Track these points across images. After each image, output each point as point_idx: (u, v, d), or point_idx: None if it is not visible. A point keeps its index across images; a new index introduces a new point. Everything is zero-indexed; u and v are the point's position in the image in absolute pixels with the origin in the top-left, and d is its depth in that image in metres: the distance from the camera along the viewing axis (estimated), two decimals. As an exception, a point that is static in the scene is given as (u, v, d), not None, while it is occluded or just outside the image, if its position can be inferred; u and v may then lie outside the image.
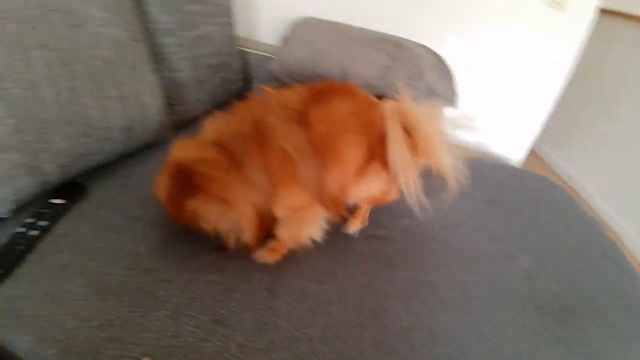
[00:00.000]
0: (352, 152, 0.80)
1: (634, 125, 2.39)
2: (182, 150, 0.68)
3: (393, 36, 1.46)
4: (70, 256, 0.75)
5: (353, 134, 0.80)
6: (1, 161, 0.74)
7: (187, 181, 0.64)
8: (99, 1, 0.88)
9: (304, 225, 0.85)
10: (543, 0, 1.56)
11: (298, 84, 0.92)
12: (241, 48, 1.65)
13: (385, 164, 0.82)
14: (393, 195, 0.92)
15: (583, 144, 2.85)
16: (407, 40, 1.46)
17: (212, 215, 0.65)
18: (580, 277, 0.98)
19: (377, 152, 0.81)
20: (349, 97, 0.83)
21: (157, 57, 1.13)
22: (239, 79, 1.59)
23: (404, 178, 0.80)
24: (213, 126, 0.77)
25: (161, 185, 0.67)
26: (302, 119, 0.76)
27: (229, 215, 0.66)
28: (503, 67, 1.72)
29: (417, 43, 1.47)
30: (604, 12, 2.18)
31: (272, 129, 0.73)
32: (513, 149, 1.95)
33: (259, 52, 1.76)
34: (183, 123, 1.30)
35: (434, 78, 1.31)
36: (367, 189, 0.87)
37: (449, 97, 1.33)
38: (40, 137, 0.78)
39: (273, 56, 1.74)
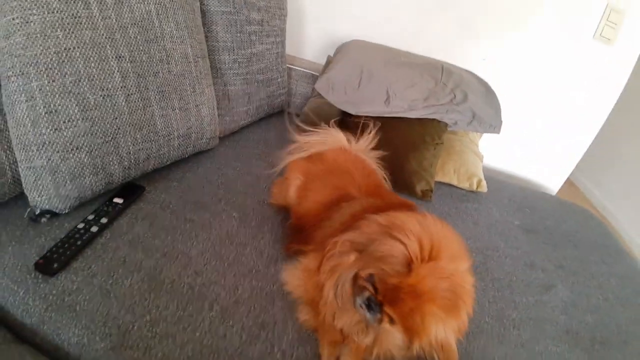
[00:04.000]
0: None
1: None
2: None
3: (440, 61, 1.49)
4: (127, 253, 0.80)
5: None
6: (69, 160, 0.79)
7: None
8: (174, 19, 0.95)
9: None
10: (591, 34, 1.56)
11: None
12: (288, 65, 1.71)
13: None
14: None
15: (620, 174, 2.82)
16: (454, 66, 1.48)
17: None
18: (613, 308, 1.02)
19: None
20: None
21: (214, 72, 1.20)
22: (283, 94, 1.65)
23: None
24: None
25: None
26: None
27: None
28: (548, 97, 1.72)
29: (464, 69, 1.49)
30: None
31: None
32: (551, 177, 1.93)
33: (303, 69, 1.82)
34: (228, 132, 1.36)
35: (478, 104, 1.32)
36: None
37: (493, 123, 1.33)
38: (110, 141, 0.84)
39: (316, 74, 1.80)
